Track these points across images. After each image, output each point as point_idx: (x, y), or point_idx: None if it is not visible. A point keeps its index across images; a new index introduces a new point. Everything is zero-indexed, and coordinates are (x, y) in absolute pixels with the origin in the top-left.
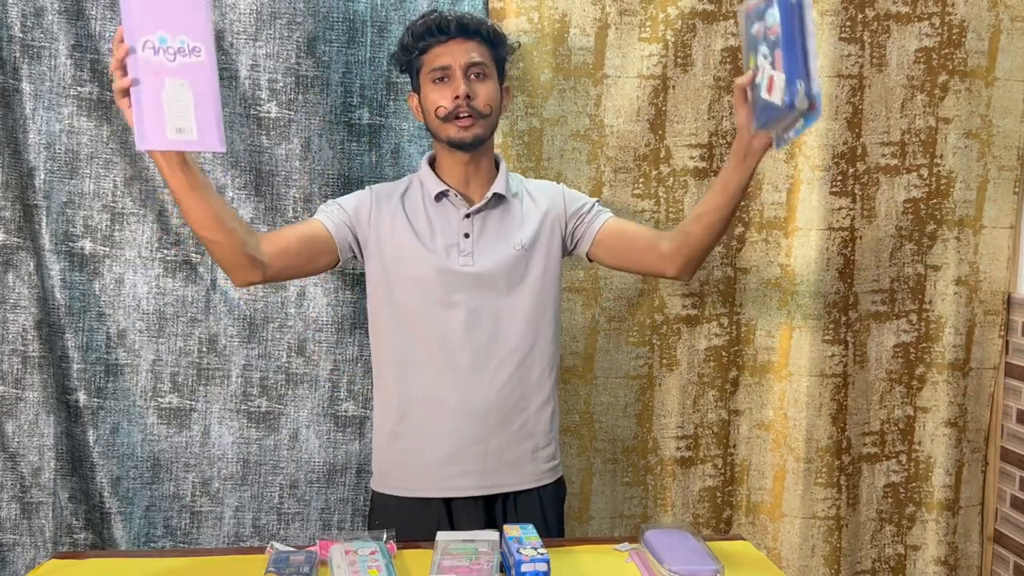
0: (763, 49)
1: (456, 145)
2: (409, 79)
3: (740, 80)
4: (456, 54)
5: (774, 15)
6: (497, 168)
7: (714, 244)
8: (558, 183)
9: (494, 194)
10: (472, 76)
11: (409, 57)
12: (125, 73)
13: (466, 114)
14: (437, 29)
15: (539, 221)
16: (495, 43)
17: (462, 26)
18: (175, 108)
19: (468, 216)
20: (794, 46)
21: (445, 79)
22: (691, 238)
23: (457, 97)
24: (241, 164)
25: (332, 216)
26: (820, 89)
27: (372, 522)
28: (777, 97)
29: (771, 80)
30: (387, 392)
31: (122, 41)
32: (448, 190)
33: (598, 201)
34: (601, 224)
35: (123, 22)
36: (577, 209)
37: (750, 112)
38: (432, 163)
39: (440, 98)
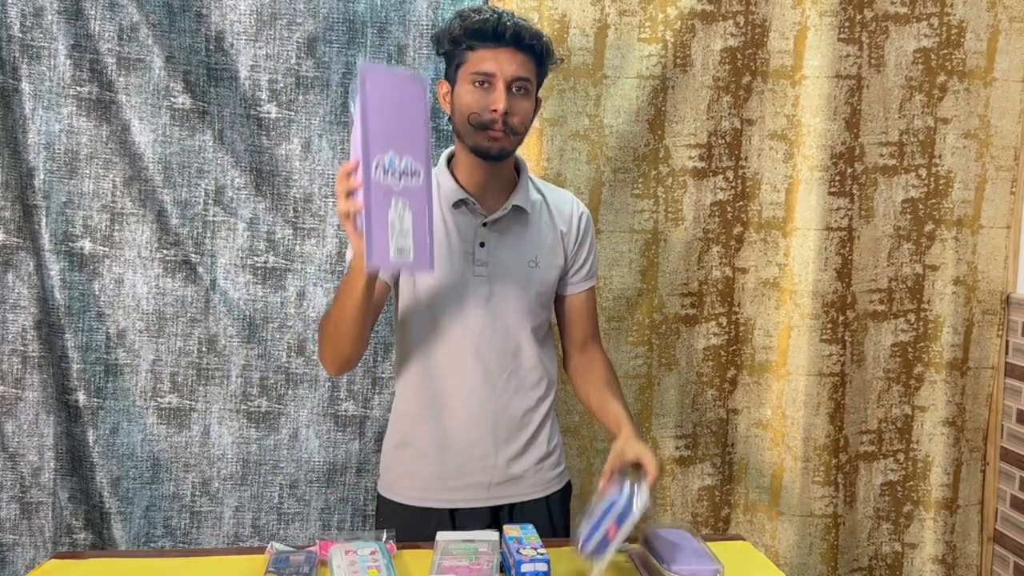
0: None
1: (480, 154)
2: (444, 64)
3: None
4: (503, 63)
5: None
6: (518, 173)
7: None
8: (582, 205)
9: (513, 206)
10: (514, 90)
11: (454, 49)
12: (350, 193)
13: (500, 130)
14: (492, 33)
15: (554, 240)
16: (544, 61)
17: (517, 37)
18: (398, 228)
19: (485, 224)
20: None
21: (486, 85)
22: (582, 397)
23: (495, 111)
24: (241, 164)
25: None
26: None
27: (379, 525)
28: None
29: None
30: (401, 400)
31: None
32: (466, 198)
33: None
34: (584, 288)
35: (355, 142)
36: (580, 252)
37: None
38: (450, 159)
39: (476, 104)
